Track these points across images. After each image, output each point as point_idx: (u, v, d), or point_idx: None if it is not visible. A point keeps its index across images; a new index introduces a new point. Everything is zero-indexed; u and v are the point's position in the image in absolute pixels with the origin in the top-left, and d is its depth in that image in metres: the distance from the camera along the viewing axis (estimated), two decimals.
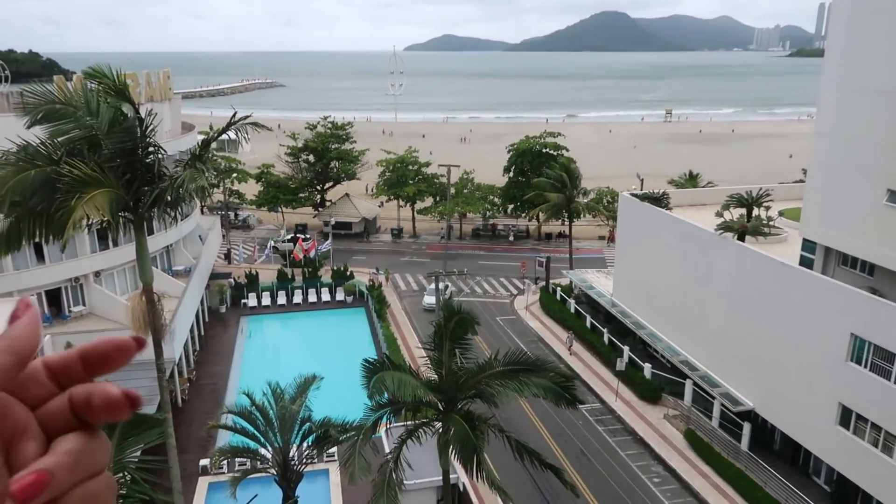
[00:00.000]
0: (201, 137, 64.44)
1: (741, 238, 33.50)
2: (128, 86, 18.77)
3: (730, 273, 32.79)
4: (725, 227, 33.76)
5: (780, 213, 38.89)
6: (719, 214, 35.56)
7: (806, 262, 30.74)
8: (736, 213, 35.73)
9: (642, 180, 68.78)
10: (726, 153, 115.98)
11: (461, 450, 18.05)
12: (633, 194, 43.79)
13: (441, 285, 42.98)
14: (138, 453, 13.13)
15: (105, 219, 17.44)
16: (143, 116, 18.83)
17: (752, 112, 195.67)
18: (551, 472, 18.61)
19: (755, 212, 36.26)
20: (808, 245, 31.26)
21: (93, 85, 18.34)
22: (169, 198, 18.70)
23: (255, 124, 20.73)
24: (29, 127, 17.39)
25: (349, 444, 19.05)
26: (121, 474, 10.72)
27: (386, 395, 18.89)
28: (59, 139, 17.50)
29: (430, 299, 48.60)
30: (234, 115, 20.62)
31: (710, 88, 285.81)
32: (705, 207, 40.59)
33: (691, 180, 59.45)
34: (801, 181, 46.49)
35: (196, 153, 19.66)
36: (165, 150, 19.90)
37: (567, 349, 42.80)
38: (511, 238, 68.43)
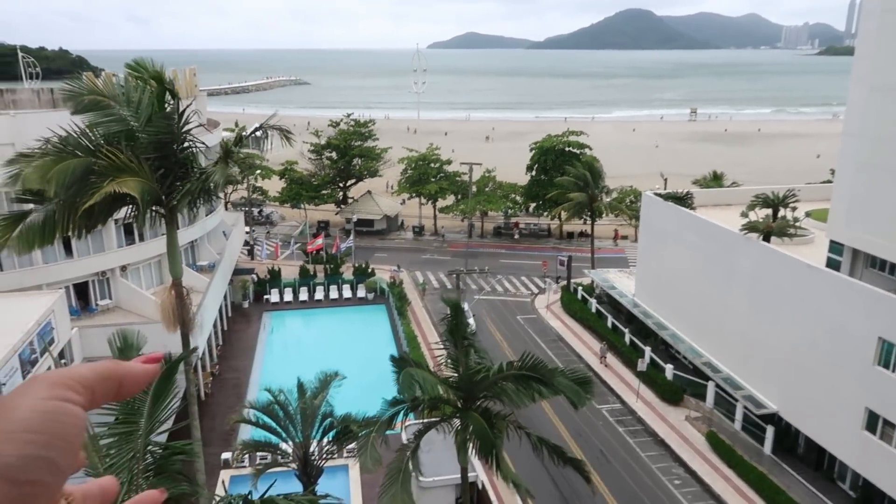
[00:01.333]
0: (226, 135, 65.09)
1: (766, 239, 33.07)
2: (173, 77, 19.17)
3: (754, 274, 32.39)
4: (750, 227, 33.35)
5: (807, 214, 38.34)
6: (744, 215, 35.15)
7: (833, 264, 30.27)
8: (761, 214, 35.29)
9: (666, 180, 68.17)
10: (752, 153, 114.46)
11: (480, 445, 18.07)
12: (656, 194, 43.43)
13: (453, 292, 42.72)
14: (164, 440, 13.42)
15: (134, 205, 17.75)
16: (182, 111, 19.14)
17: (779, 111, 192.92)
18: (572, 466, 18.57)
19: (781, 212, 35.79)
20: (835, 247, 30.77)
21: (133, 79, 18.71)
22: (197, 193, 18.98)
23: (284, 131, 20.94)
24: (73, 113, 17.83)
25: (363, 437, 19.23)
26: (148, 458, 10.99)
27: (417, 390, 18.96)
28: (99, 131, 17.87)
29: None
30: (269, 118, 20.90)
31: (737, 87, 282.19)
32: (730, 208, 40.14)
33: (716, 180, 58.81)
34: (829, 182, 45.77)
35: (228, 149, 19.93)
36: (205, 143, 20.23)
37: (600, 360, 40.91)
38: (516, 236, 68.19)
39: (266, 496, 9.86)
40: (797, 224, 34.80)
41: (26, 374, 27.08)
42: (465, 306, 44.40)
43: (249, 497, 9.05)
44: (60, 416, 0.88)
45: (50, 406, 0.88)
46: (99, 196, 16.67)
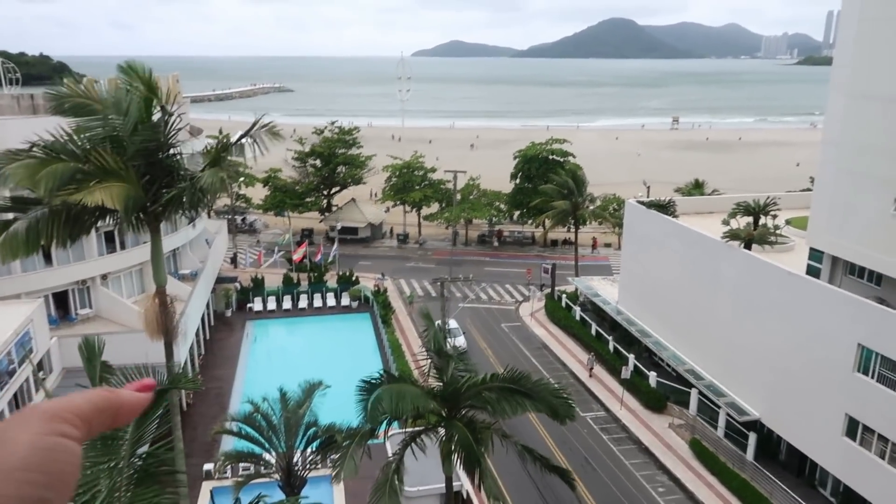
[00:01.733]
0: (210, 142, 64.59)
1: (748, 246, 33.40)
2: (158, 86, 18.90)
3: (736, 281, 32.67)
4: (732, 235, 33.67)
5: (787, 222, 38.77)
6: (726, 222, 35.46)
7: (813, 272, 30.61)
8: (742, 222, 35.63)
9: (648, 187, 68.70)
10: (733, 161, 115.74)
11: (465, 458, 18.01)
12: (639, 201, 43.73)
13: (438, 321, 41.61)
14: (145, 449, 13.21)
15: (116, 213, 17.55)
16: (169, 118, 18.99)
17: (760, 120, 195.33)
18: (557, 475, 18.55)
19: (762, 220, 36.16)
20: (815, 254, 31.13)
21: (122, 84, 18.54)
22: (186, 199, 18.79)
23: (271, 131, 20.73)
24: (57, 114, 17.64)
25: (342, 450, 19.11)
26: (130, 472, 10.80)
27: (383, 417, 18.75)
28: (85, 135, 17.69)
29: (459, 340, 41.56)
30: (256, 122, 20.70)
31: (718, 96, 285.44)
32: (712, 215, 40.50)
33: (697, 188, 59.44)
34: (809, 189, 46.36)
35: (215, 155, 19.76)
36: (192, 150, 20.07)
37: (587, 371, 40.73)
38: (495, 243, 68.38)
39: None
40: (778, 232, 35.18)
41: (2, 385, 26.64)
42: (454, 323, 43.94)
43: None
44: (58, 454, 0.86)
45: (48, 443, 0.86)
46: (89, 200, 16.46)
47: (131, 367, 15.73)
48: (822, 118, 31.99)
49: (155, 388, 1.07)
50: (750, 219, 36.16)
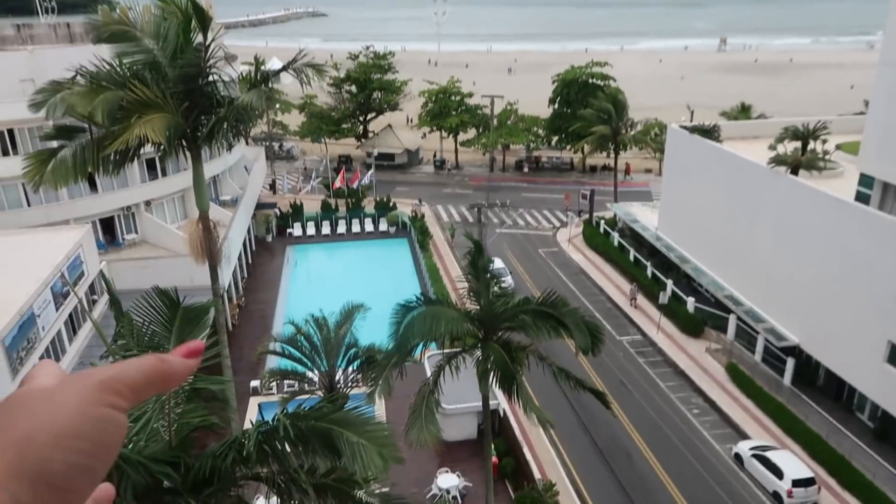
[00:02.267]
0: (245, 68, 64.15)
1: (794, 172, 32.39)
2: (203, 9, 18.67)
3: (780, 208, 31.89)
4: (778, 160, 32.63)
5: (838, 147, 37.32)
6: (772, 147, 34.33)
7: (862, 198, 29.63)
8: (790, 147, 34.43)
9: (692, 112, 66.56)
10: (783, 84, 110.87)
11: (501, 377, 18.39)
12: (682, 126, 42.48)
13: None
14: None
15: (160, 144, 17.76)
16: (208, 43, 18.86)
17: (813, 41, 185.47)
18: (593, 395, 18.89)
19: (811, 145, 34.87)
20: (865, 180, 30.05)
21: (156, 10, 18.40)
22: (228, 122, 18.87)
23: (316, 66, 20.36)
24: (97, 43, 17.69)
25: (378, 371, 19.65)
26: (182, 391, 11.29)
27: (414, 341, 18.99)
28: (125, 61, 17.75)
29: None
30: (298, 54, 20.38)
31: (769, 15, 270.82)
32: (758, 140, 39.17)
33: (744, 112, 57.28)
34: (862, 113, 44.33)
35: (256, 80, 19.70)
36: (233, 75, 19.99)
37: (630, 302, 40.03)
38: (525, 170, 67.49)
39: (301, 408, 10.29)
40: (827, 157, 33.94)
41: (59, 306, 27.88)
42: (500, 263, 42.10)
43: (284, 411, 9.42)
44: (107, 425, 0.87)
45: (98, 413, 0.86)
46: (129, 137, 16.68)
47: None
48: (881, 38, 30.21)
49: (203, 351, 1.06)
50: (798, 144, 34.90)
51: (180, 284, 33.57)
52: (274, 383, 28.01)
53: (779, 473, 25.07)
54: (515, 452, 26.77)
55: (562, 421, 28.57)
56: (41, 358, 25.83)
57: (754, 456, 26.39)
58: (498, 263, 41.56)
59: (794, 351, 30.96)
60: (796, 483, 24.60)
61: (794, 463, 25.59)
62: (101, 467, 0.85)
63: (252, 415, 28.47)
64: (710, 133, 39.81)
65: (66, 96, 16.48)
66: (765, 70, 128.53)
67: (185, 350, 1.03)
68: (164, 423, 10.85)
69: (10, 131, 34.28)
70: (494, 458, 24.87)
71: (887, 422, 26.86)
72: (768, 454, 26.11)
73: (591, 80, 64.12)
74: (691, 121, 54.77)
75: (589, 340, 18.35)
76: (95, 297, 32.22)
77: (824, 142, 35.04)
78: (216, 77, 19.43)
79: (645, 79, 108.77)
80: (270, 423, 9.53)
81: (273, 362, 30.64)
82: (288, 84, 21.21)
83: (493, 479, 22.35)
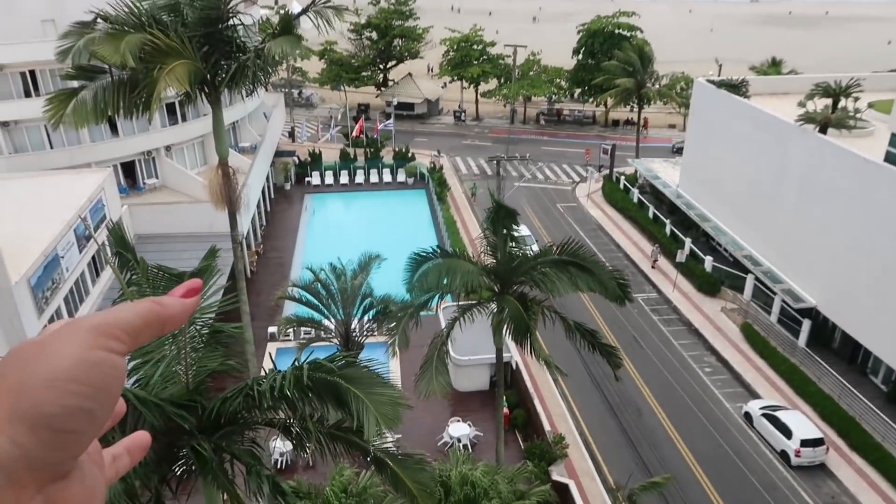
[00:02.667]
0: (265, 12, 63.09)
1: (823, 130, 31.62)
2: None
3: (806, 167, 31.27)
4: (807, 118, 31.84)
5: (870, 105, 36.31)
6: (802, 104, 33.51)
7: (892, 159, 28.92)
8: (820, 104, 33.55)
9: (720, 66, 64.82)
10: (817, 38, 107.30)
11: (515, 328, 18.52)
12: (709, 80, 41.45)
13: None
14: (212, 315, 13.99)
15: (183, 91, 17.69)
16: None
17: None
18: (603, 352, 18.99)
19: (842, 103, 33.95)
20: None
21: None
22: (251, 70, 18.71)
23: (336, 7, 19.99)
24: None
25: (395, 322, 19.89)
26: (195, 334, 11.49)
27: (433, 283, 19.11)
28: (144, 4, 17.56)
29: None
30: None
31: None
32: (787, 97, 38.20)
33: (774, 67, 55.71)
34: None
35: (282, 26, 19.42)
36: (252, 17, 19.73)
37: (650, 262, 39.35)
38: (542, 122, 66.54)
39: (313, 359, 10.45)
40: (858, 115, 33.03)
41: (82, 248, 28.35)
42: (526, 230, 40.78)
43: (296, 362, 9.58)
44: (103, 368, 0.87)
45: (94, 356, 0.87)
46: (159, 90, 16.61)
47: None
48: None
49: (201, 288, 1.04)
50: (829, 101, 33.99)
51: (200, 230, 34.05)
52: (291, 330, 28.50)
53: (787, 433, 25.26)
54: (526, 404, 27.18)
55: (574, 375, 28.87)
56: (65, 298, 26.43)
57: (764, 415, 26.57)
58: (524, 230, 40.85)
59: (811, 313, 30.79)
60: (805, 443, 24.81)
61: (803, 423, 25.75)
62: (101, 410, 0.87)
63: (269, 360, 29.06)
64: (737, 88, 38.87)
65: (89, 42, 16.38)
66: (799, 23, 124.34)
67: (183, 289, 1.03)
68: (182, 366, 11.12)
69: (32, 72, 34.30)
70: (506, 410, 25.29)
71: None
72: (778, 414, 26.27)
73: (617, 31, 62.48)
74: (719, 75, 53.34)
75: (616, 289, 18.35)
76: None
77: (856, 99, 34.11)
78: (237, 21, 19.19)
79: (673, 30, 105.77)
80: (281, 371, 9.72)
81: (290, 309, 31.10)
82: (307, 29, 20.85)
83: (504, 430, 22.76)
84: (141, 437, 1.12)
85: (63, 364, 0.85)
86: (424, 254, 19.58)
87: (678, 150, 52.28)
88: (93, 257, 29.57)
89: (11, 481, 0.80)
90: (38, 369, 0.84)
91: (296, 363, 9.51)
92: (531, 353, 18.55)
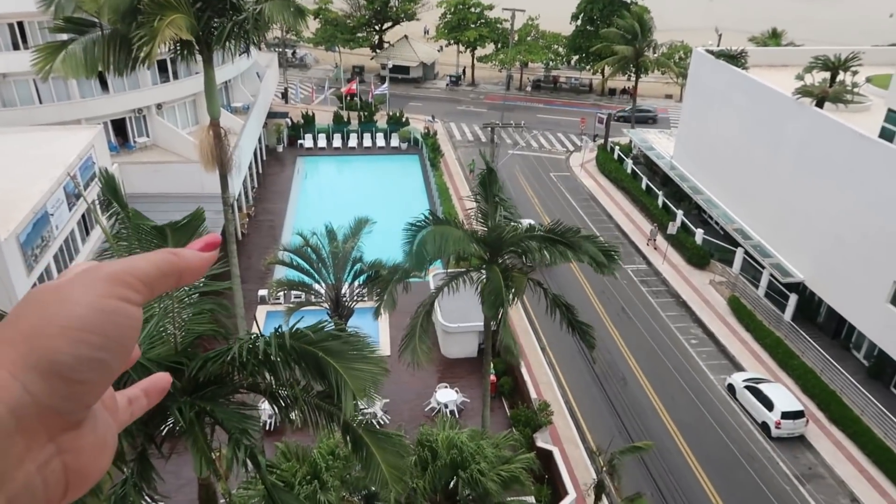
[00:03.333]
0: None
1: (820, 105, 31.47)
2: None
3: (801, 142, 31.22)
4: (804, 91, 31.65)
5: (868, 80, 36.05)
6: (800, 77, 33.24)
7: (887, 135, 28.86)
8: (818, 77, 33.31)
9: (720, 36, 64.06)
10: (819, 8, 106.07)
11: (492, 300, 18.55)
12: (707, 50, 41.03)
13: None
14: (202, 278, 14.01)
15: (179, 42, 17.38)
16: None
17: None
18: (581, 329, 19.09)
19: (840, 76, 33.71)
20: (892, 116, 29.17)
21: None
22: (248, 28, 18.38)
23: None
24: None
25: (384, 285, 19.93)
26: (187, 297, 11.49)
27: (428, 251, 19.13)
28: None
29: None
30: None
31: None
32: (786, 69, 37.87)
33: (774, 38, 55.15)
34: None
35: None
36: None
37: (649, 242, 38.77)
38: (528, 88, 65.91)
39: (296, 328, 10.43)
40: (856, 90, 32.85)
41: (72, 206, 28.13)
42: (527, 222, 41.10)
43: (279, 329, 9.57)
44: (118, 318, 0.85)
45: (109, 306, 0.85)
46: (160, 40, 16.29)
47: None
48: None
49: (220, 244, 1.02)
50: (827, 74, 33.74)
51: (190, 191, 33.82)
52: (281, 293, 28.55)
53: (769, 405, 25.70)
54: (514, 372, 27.47)
55: (561, 344, 29.13)
56: (55, 256, 26.32)
57: (747, 388, 26.98)
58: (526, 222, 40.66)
59: (798, 287, 31.07)
60: (785, 415, 25.26)
61: (785, 395, 26.18)
62: (114, 361, 0.85)
63: (259, 323, 29.15)
64: (736, 59, 38.49)
65: None
66: None
67: (202, 243, 1.01)
68: (171, 327, 11.14)
69: (20, 24, 33.59)
70: (493, 377, 25.55)
71: (882, 361, 27.26)
72: (760, 386, 26.68)
73: None
74: (718, 45, 52.79)
75: (604, 259, 18.39)
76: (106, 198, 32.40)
77: (854, 73, 33.85)
78: None
79: None
80: (263, 335, 9.73)
81: (281, 273, 31.11)
82: None
83: (491, 397, 23.04)
84: (160, 379, 1.10)
85: (78, 312, 0.83)
86: (419, 222, 19.54)
87: (620, 119, 52.25)
88: (82, 215, 29.37)
89: (23, 429, 0.79)
90: (53, 316, 0.82)
91: (278, 330, 9.52)
92: (499, 327, 18.62)
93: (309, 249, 24.58)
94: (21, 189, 25.25)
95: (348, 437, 10.91)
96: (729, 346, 30.58)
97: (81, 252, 29.01)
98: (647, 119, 57.79)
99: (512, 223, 19.69)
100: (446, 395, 25.72)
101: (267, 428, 24.24)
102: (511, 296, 18.48)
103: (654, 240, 38.64)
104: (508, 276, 18.59)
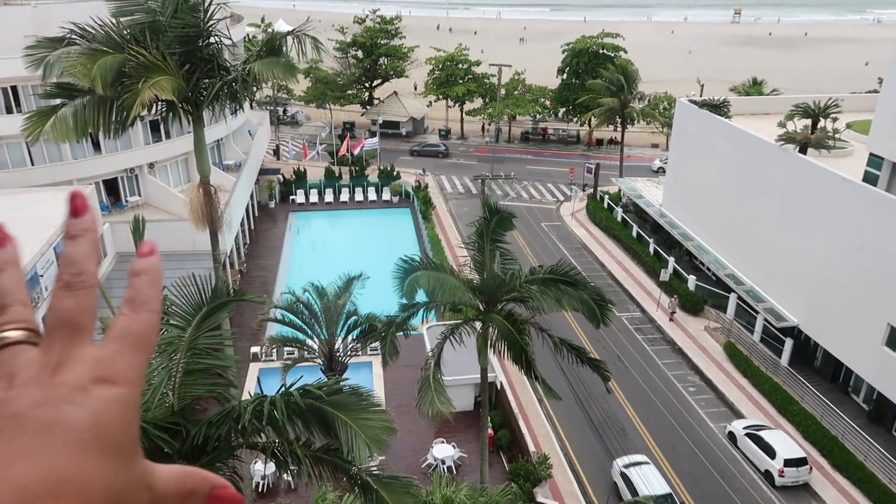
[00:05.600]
0: (250, 30, 63.14)
1: (803, 150, 32.05)
2: None
3: (786, 187, 31.64)
4: (787, 138, 32.27)
5: (849, 126, 36.88)
6: (782, 125, 33.96)
7: (870, 179, 29.35)
8: (800, 124, 34.04)
9: (702, 86, 65.71)
10: (797, 59, 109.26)
11: (510, 350, 18.42)
12: (691, 100, 41.97)
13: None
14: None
15: (167, 108, 17.61)
16: (207, 8, 18.59)
17: (828, 13, 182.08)
18: (591, 366, 18.97)
19: (821, 123, 34.47)
20: (874, 160, 29.73)
21: None
22: (238, 89, 18.67)
23: (315, 40, 20.30)
24: None
25: (382, 336, 19.79)
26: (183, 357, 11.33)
27: (422, 294, 19.12)
28: (124, 20, 17.49)
29: None
30: (305, 21, 20.21)
31: None
32: (768, 117, 38.73)
33: (755, 87, 56.50)
34: (875, 91, 43.72)
35: (268, 49, 19.45)
36: (231, 39, 19.75)
37: (668, 315, 35.84)
38: (495, 141, 65.07)
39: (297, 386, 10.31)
40: (837, 136, 33.54)
41: None
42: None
43: (283, 389, 9.45)
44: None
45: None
46: (140, 102, 16.51)
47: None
48: (889, 12, 29.54)
49: (154, 251, 0.96)
50: (808, 121, 34.50)
51: (182, 249, 33.73)
52: (274, 350, 28.23)
53: (771, 453, 25.30)
54: (511, 425, 27.03)
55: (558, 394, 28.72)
56: (43, 318, 25.95)
57: (748, 435, 26.61)
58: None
59: (793, 332, 31.01)
60: (788, 463, 24.85)
61: (786, 443, 25.81)
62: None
63: (252, 381, 28.72)
64: (719, 108, 39.34)
65: (63, 57, 16.29)
66: (779, 43, 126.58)
67: (144, 249, 0.96)
68: (168, 389, 10.93)
69: (14, 88, 34.03)
70: (490, 430, 25.12)
71: (882, 404, 27.01)
72: (762, 433, 26.32)
73: (601, 51, 63.23)
74: (701, 95, 54.05)
75: (598, 315, 18.43)
76: (98, 257, 32.27)
77: (835, 120, 34.63)
78: (218, 40, 19.18)
79: (656, 50, 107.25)
80: (269, 396, 9.59)
81: (274, 329, 30.81)
82: (293, 47, 20.96)
83: (489, 451, 22.60)
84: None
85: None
86: (413, 261, 19.52)
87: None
88: None
89: None
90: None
91: (283, 388, 9.38)
92: (530, 375, 18.45)
93: (300, 305, 24.43)
94: None
95: (357, 488, 10.65)
96: (727, 392, 30.29)
97: None
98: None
99: (510, 269, 19.70)
100: (443, 451, 25.20)
101: (260, 490, 23.62)
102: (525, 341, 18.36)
103: (674, 312, 35.93)
104: (517, 322, 18.50)
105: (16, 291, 0.92)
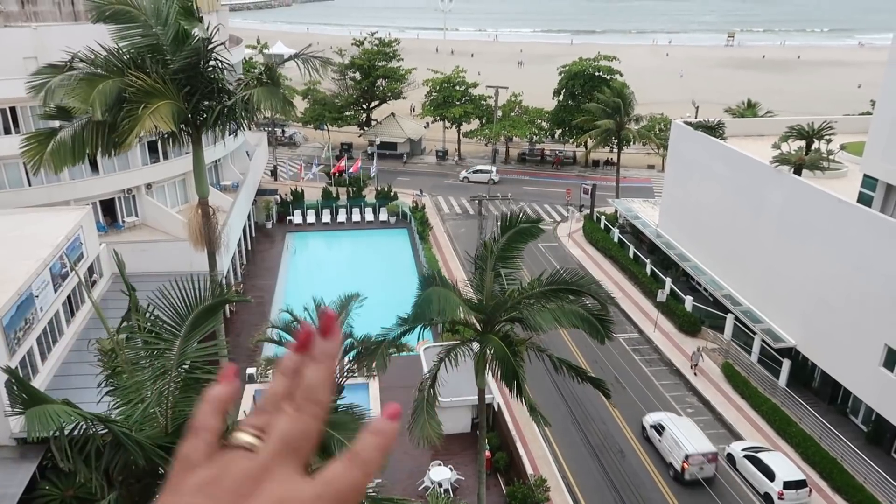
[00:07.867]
0: (249, 52, 63.63)
1: (798, 172, 32.26)
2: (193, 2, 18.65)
3: (782, 208, 31.79)
4: (782, 159, 32.49)
5: (842, 147, 37.18)
6: (776, 146, 34.19)
7: (865, 200, 29.54)
8: (794, 146, 34.29)
9: (697, 108, 66.22)
10: (791, 81, 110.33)
11: (503, 372, 18.34)
12: (686, 122, 42.29)
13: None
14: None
15: (167, 131, 17.73)
16: (208, 31, 18.76)
17: (822, 37, 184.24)
18: (592, 384, 18.90)
19: (815, 144, 34.74)
20: (868, 181, 29.94)
21: None
22: (237, 113, 18.82)
23: (325, 60, 20.51)
24: (95, 22, 17.55)
25: (375, 348, 19.69)
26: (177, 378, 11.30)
27: (435, 312, 18.95)
28: (124, 44, 17.63)
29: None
30: (307, 47, 20.46)
31: (778, 10, 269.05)
32: (762, 138, 39.01)
33: (750, 109, 56.98)
34: (868, 113, 44.14)
35: (268, 72, 19.63)
36: (231, 66, 19.92)
37: (692, 367, 33.46)
38: (496, 165, 65.02)
39: None
40: (831, 157, 33.80)
41: (57, 287, 27.88)
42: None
43: None
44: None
45: None
46: (139, 128, 16.62)
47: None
48: (875, 36, 29.94)
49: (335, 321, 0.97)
50: (802, 143, 34.76)
51: (179, 269, 33.50)
52: (270, 371, 28.03)
53: (770, 475, 25.12)
54: (509, 447, 26.83)
55: (555, 417, 28.57)
56: (38, 340, 25.85)
57: (746, 457, 26.44)
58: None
59: (791, 352, 30.96)
60: (787, 485, 24.66)
61: (785, 465, 25.64)
62: None
63: (247, 402, 28.49)
64: (714, 130, 39.65)
65: (63, 83, 16.42)
66: (772, 66, 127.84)
67: (323, 328, 0.99)
68: (162, 408, 10.87)
69: (13, 109, 34.16)
70: (487, 453, 24.92)
71: (881, 426, 26.90)
72: (760, 455, 26.15)
73: (597, 73, 63.78)
74: (696, 117, 54.46)
75: (599, 327, 18.39)
76: (95, 277, 32.22)
77: (829, 141, 34.92)
78: (217, 63, 19.36)
79: (652, 73, 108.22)
80: None
81: (270, 350, 30.70)
82: (291, 68, 21.16)
83: (486, 473, 22.40)
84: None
85: None
86: (430, 278, 19.41)
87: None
88: (68, 297, 29.07)
89: None
90: None
91: None
92: (518, 397, 18.37)
93: (297, 326, 24.34)
94: (7, 271, 25.05)
95: None
96: (725, 413, 30.15)
97: (66, 334, 28.54)
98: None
99: (509, 286, 19.66)
100: (440, 473, 24.98)
101: None
102: (519, 363, 18.28)
103: (698, 364, 33.59)
104: (512, 344, 18.45)
105: (314, 391, 0.96)
